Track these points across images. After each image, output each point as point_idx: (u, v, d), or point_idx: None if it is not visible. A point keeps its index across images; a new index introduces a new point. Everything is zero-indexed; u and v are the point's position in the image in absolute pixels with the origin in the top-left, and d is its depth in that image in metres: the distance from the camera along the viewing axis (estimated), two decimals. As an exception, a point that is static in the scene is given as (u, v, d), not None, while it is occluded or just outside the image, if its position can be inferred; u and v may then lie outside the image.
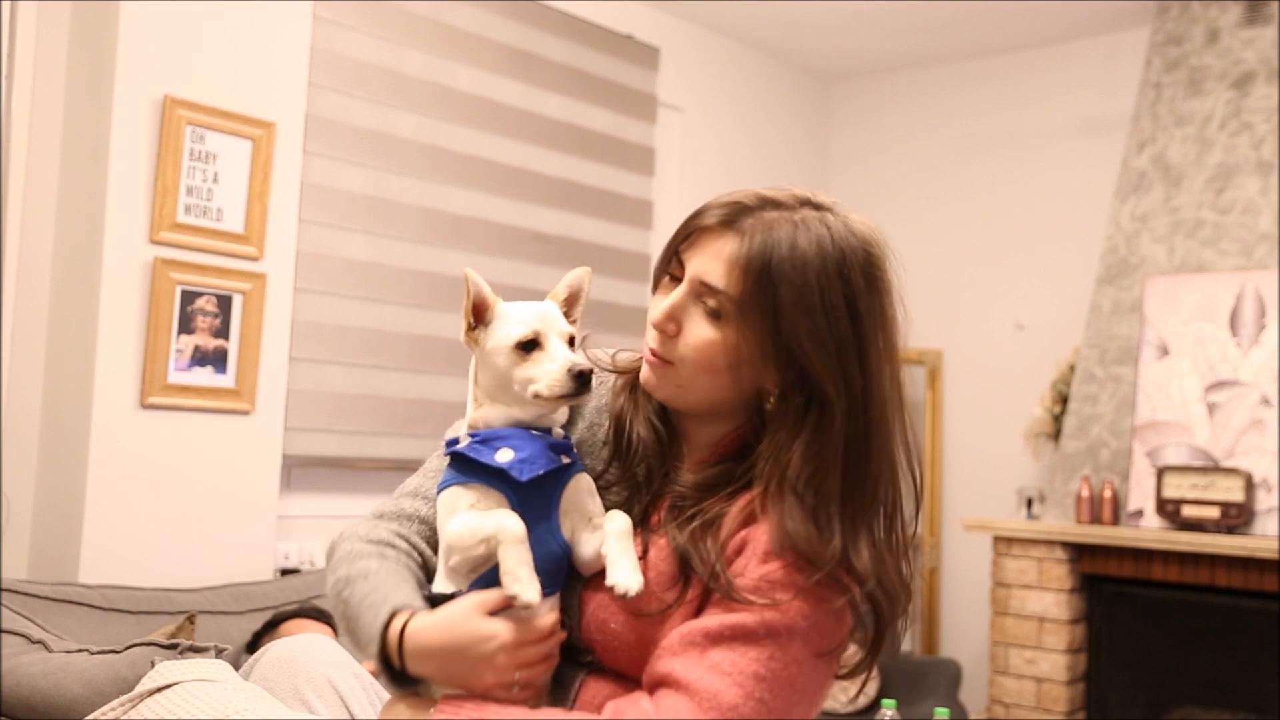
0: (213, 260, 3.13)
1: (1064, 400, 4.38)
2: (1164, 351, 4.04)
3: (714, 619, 1.18)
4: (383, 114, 3.66)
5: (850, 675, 1.27)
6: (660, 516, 1.28)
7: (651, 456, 1.32)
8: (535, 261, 4.04)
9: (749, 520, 1.23)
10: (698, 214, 1.28)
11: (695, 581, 1.22)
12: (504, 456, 1.25)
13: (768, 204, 1.26)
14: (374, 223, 3.63)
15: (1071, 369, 4.39)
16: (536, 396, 1.26)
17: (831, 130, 5.52)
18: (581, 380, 1.24)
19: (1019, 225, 4.90)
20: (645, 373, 1.31)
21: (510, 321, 1.30)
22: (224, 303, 3.14)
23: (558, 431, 1.31)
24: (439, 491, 1.30)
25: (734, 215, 1.25)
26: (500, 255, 3.94)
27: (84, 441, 2.92)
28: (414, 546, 1.33)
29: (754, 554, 1.20)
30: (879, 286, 1.25)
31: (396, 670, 1.21)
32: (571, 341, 1.30)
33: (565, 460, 1.28)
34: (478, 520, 1.22)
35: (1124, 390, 4.16)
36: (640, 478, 1.32)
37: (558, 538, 1.26)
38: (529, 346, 1.27)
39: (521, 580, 1.18)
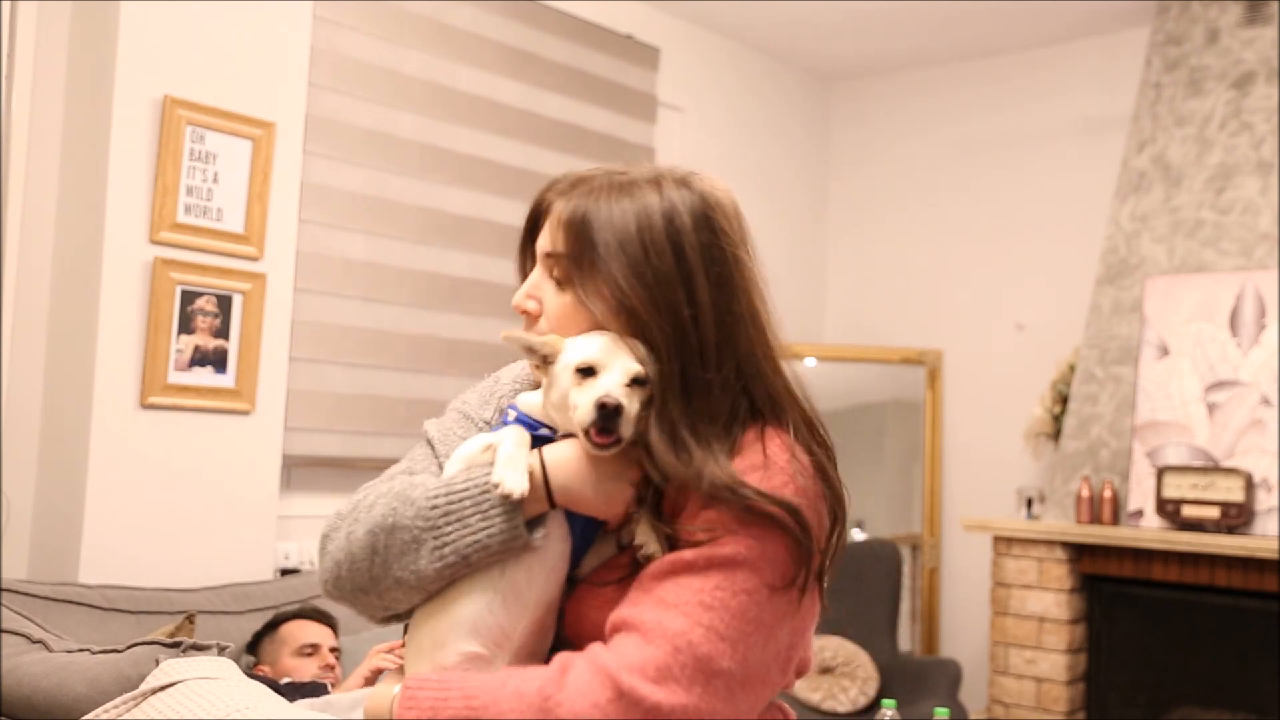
0: (213, 260, 3.12)
1: (1064, 400, 4.38)
2: (1164, 351, 4.04)
3: (655, 563, 1.19)
4: (383, 114, 3.66)
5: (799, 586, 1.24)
6: None
7: None
8: (535, 261, 4.04)
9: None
10: (537, 202, 1.34)
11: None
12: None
13: (606, 174, 1.31)
14: (374, 223, 3.63)
15: (1071, 369, 4.39)
16: (579, 425, 1.23)
17: (831, 130, 5.52)
18: (605, 412, 1.19)
19: (1019, 225, 4.90)
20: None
21: (575, 348, 1.26)
22: (224, 303, 3.14)
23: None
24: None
25: (567, 188, 1.30)
26: (500, 255, 3.94)
27: (84, 441, 2.92)
28: None
29: (695, 501, 1.21)
30: (712, 226, 1.26)
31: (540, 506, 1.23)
32: (638, 382, 1.23)
33: None
34: (477, 440, 1.27)
35: (1124, 390, 4.16)
36: None
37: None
38: (586, 373, 1.23)
39: (515, 465, 1.21)
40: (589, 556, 1.29)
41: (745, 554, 1.17)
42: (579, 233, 1.26)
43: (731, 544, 1.17)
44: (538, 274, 1.33)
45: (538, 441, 1.27)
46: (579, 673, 1.13)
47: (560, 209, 1.29)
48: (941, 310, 5.08)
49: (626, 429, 1.20)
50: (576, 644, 1.27)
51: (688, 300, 1.23)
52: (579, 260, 1.26)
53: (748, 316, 1.26)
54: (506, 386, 1.47)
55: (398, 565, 1.24)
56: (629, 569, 1.24)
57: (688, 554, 1.17)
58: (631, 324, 1.24)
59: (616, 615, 1.18)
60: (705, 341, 1.23)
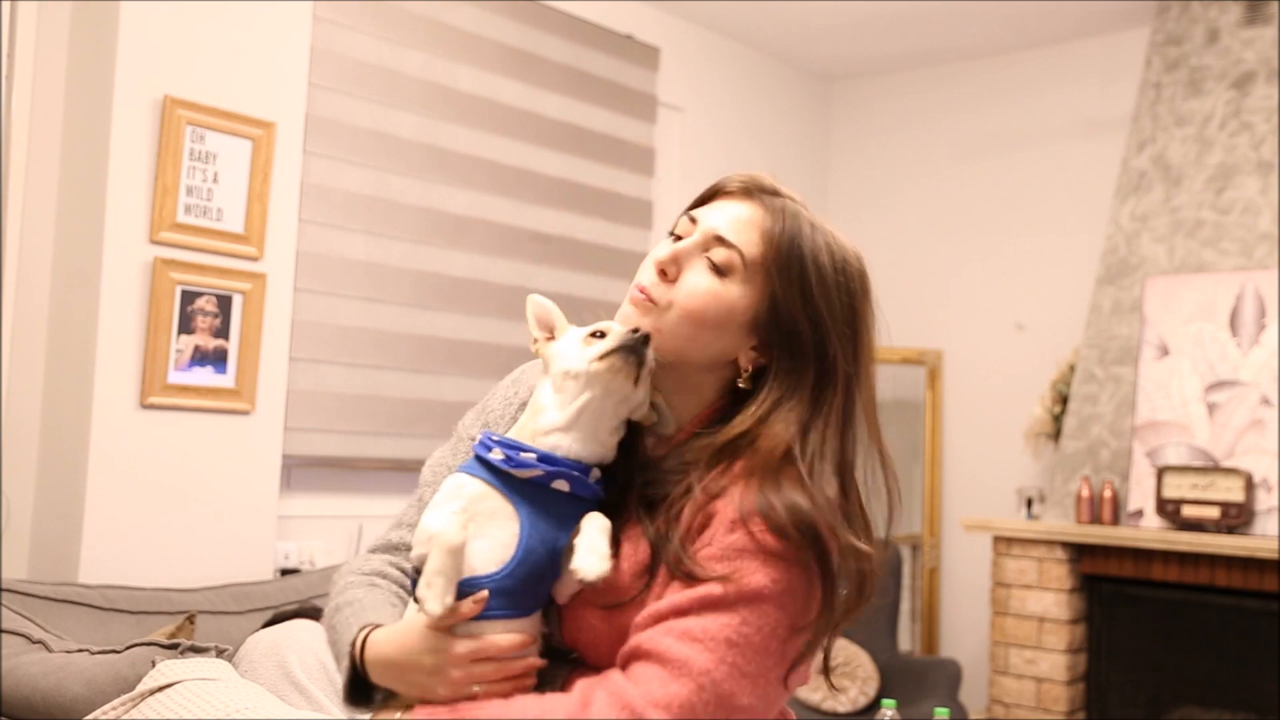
0: (213, 260, 3.12)
1: (1064, 400, 4.38)
2: (1164, 351, 4.04)
3: (682, 595, 1.18)
4: (383, 114, 3.66)
5: (816, 641, 1.23)
6: (632, 504, 1.29)
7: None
8: (535, 261, 4.04)
9: (716, 495, 1.23)
10: (720, 182, 1.35)
11: (665, 569, 1.22)
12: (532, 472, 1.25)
13: (795, 202, 1.34)
14: (374, 223, 3.63)
15: (1071, 369, 4.39)
16: (600, 358, 1.25)
17: (831, 130, 5.52)
18: (639, 336, 1.24)
19: (1019, 225, 4.90)
20: (625, 309, 1.32)
21: (582, 328, 1.33)
22: (224, 303, 3.14)
23: (595, 474, 1.29)
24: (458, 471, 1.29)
25: (755, 188, 1.33)
26: (500, 255, 3.94)
27: (84, 441, 2.92)
28: (406, 574, 1.36)
29: (720, 524, 1.20)
30: (869, 297, 1.33)
31: (363, 683, 1.26)
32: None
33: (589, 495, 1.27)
34: (431, 519, 1.22)
35: (1124, 390, 4.16)
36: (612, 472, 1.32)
37: (555, 568, 1.25)
38: (598, 336, 1.29)
39: (434, 588, 1.17)
40: (562, 582, 1.26)
41: (771, 587, 1.17)
42: (779, 252, 1.28)
43: (758, 576, 1.17)
44: (692, 244, 1.31)
45: (507, 479, 1.25)
46: (601, 705, 1.13)
47: (759, 215, 1.30)
48: (941, 310, 5.08)
49: (651, 361, 1.25)
50: (576, 648, 1.28)
51: (854, 358, 1.29)
52: (765, 271, 1.28)
53: (873, 388, 1.33)
54: (496, 402, 1.45)
55: (334, 650, 1.33)
56: (639, 588, 1.23)
57: (716, 590, 1.16)
58: (764, 338, 1.29)
59: (637, 643, 1.17)
60: (861, 398, 1.29)
